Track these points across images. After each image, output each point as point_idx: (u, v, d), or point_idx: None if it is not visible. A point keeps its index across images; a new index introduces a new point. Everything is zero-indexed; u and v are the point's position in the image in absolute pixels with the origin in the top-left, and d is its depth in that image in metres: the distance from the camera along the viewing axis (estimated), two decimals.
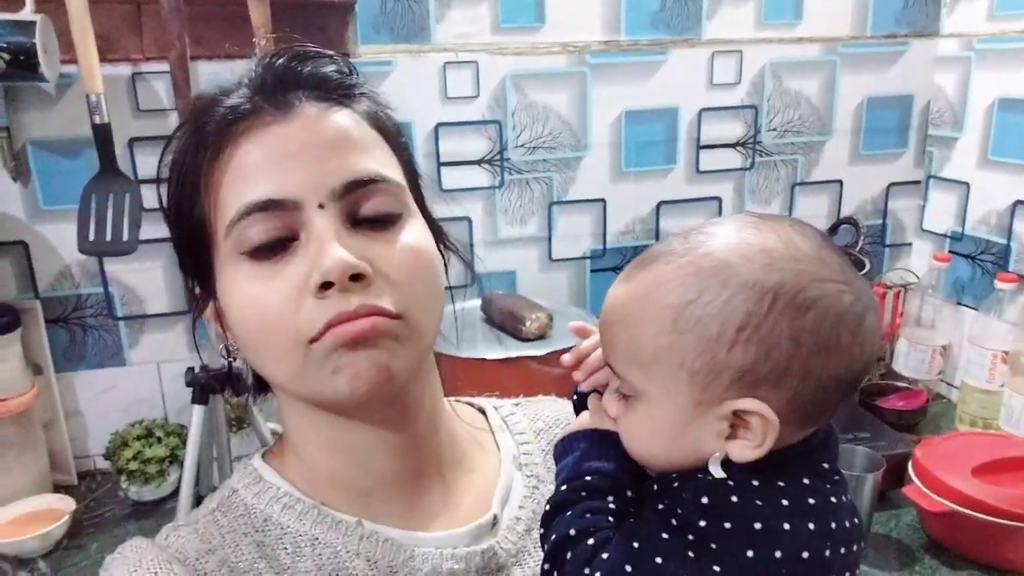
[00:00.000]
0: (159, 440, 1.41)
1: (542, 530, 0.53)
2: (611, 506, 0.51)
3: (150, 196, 1.38)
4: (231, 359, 0.57)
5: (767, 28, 1.61)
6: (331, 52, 0.55)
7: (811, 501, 0.48)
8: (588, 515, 0.50)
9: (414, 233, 0.53)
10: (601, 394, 0.56)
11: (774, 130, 1.67)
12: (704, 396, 0.49)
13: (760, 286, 0.47)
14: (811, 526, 0.47)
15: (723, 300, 0.48)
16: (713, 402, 0.49)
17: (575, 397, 0.62)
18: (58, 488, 1.42)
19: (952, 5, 1.65)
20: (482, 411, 0.68)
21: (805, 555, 0.47)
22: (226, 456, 1.24)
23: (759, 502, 0.47)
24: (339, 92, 0.54)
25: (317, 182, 0.50)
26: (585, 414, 0.58)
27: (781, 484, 0.49)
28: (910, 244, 1.81)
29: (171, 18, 1.17)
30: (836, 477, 0.52)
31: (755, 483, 0.48)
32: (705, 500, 0.48)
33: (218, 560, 0.52)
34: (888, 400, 1.53)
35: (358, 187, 0.51)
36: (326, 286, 0.48)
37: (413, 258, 0.52)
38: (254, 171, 0.50)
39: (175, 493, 1.34)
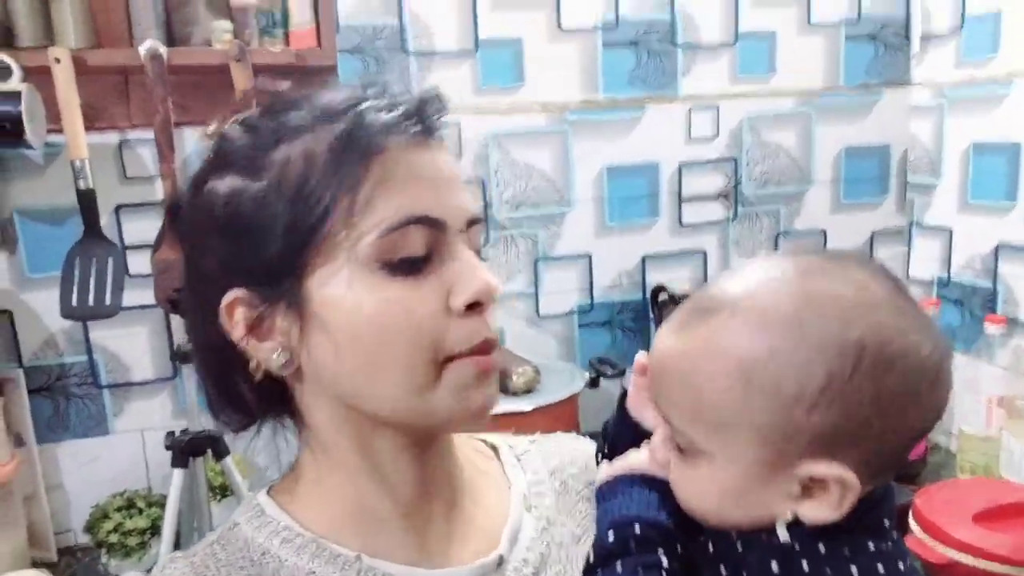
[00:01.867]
0: (140, 511, 1.37)
1: None
2: (663, 562, 0.48)
3: (135, 261, 1.41)
4: (285, 371, 0.53)
5: (742, 82, 1.65)
6: (448, 101, 0.57)
7: (880, 570, 0.46)
8: (640, 570, 0.48)
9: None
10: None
11: (755, 181, 1.70)
12: (775, 459, 0.46)
13: (842, 345, 0.44)
14: None
15: (802, 360, 0.44)
16: (787, 465, 0.46)
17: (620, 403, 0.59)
18: (36, 565, 1.37)
19: (920, 56, 1.69)
20: (494, 447, 0.68)
21: None
22: (207, 525, 1.21)
23: (828, 570, 0.45)
24: (443, 135, 0.57)
25: (462, 210, 0.53)
26: (635, 454, 0.55)
27: (847, 552, 0.46)
28: None
29: (155, 84, 1.19)
30: (896, 534, 0.50)
31: (821, 549, 0.46)
32: (775, 567, 0.46)
33: None
34: None
35: (475, 223, 0.55)
36: (474, 307, 0.51)
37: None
38: (412, 186, 0.51)
39: None
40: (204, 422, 1.23)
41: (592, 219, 1.62)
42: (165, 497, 1.40)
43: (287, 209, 0.50)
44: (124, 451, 1.46)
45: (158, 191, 1.36)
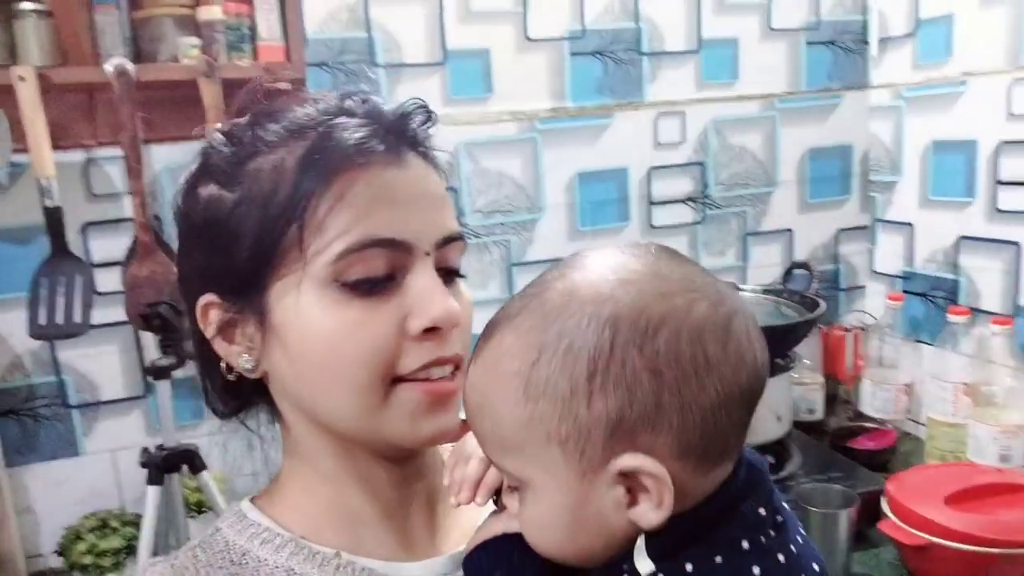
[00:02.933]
0: (115, 531, 1.35)
1: None
2: None
3: (103, 279, 1.39)
4: (251, 374, 0.54)
5: (707, 88, 1.68)
6: (426, 103, 0.57)
7: (756, 571, 0.42)
8: None
9: (467, 292, 0.57)
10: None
11: (722, 184, 1.72)
12: (584, 465, 0.43)
13: (595, 322, 0.42)
14: None
15: (563, 350, 0.42)
16: (597, 469, 0.43)
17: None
18: None
19: (879, 58, 1.74)
20: None
21: None
22: (184, 543, 1.19)
23: None
24: (430, 150, 0.56)
25: (428, 231, 0.52)
26: (489, 519, 0.52)
27: (719, 560, 0.42)
28: (863, 287, 1.85)
29: (122, 101, 1.19)
30: (778, 518, 0.46)
31: (689, 569, 0.42)
32: None
33: None
34: (858, 441, 1.53)
35: (450, 242, 0.54)
36: (430, 331, 0.51)
37: (470, 312, 0.56)
38: (376, 207, 0.50)
39: None
40: (179, 437, 1.22)
41: (564, 224, 1.64)
42: (139, 516, 1.38)
43: (255, 221, 0.51)
44: (95, 471, 1.43)
45: (126, 208, 1.35)
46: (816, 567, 0.46)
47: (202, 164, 0.55)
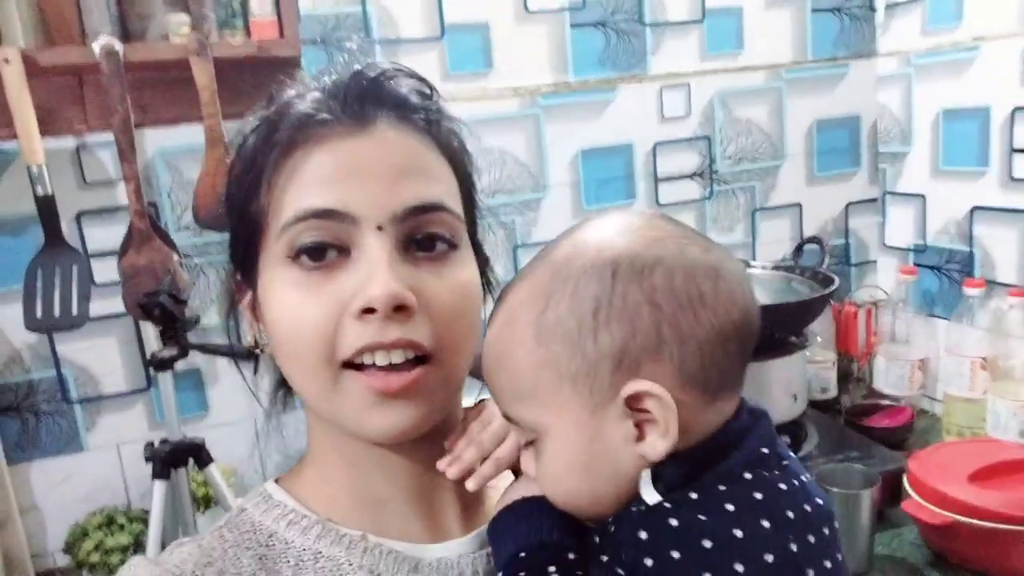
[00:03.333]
0: (121, 527, 1.32)
1: None
2: None
3: (100, 269, 1.35)
4: (259, 350, 0.56)
5: (711, 59, 1.64)
6: (419, 74, 0.55)
7: (758, 496, 0.45)
8: None
9: (465, 270, 0.53)
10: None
11: (729, 158, 1.69)
12: (594, 399, 0.46)
13: (597, 265, 0.47)
14: (766, 524, 0.43)
15: (569, 293, 0.47)
16: (605, 401, 0.46)
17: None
18: None
19: (886, 25, 1.70)
20: None
21: (769, 558, 0.43)
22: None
23: (702, 516, 0.44)
24: (418, 116, 0.53)
25: (381, 203, 0.49)
26: (508, 490, 0.54)
27: (722, 488, 0.45)
28: (875, 261, 1.82)
29: (112, 83, 1.15)
30: (783, 462, 0.48)
31: (693, 496, 0.45)
32: (644, 535, 0.44)
33: (216, 572, 0.51)
34: (873, 419, 1.51)
35: (420, 213, 0.50)
36: (369, 311, 0.48)
37: (460, 296, 0.52)
38: (320, 181, 0.49)
39: None
40: (184, 430, 1.19)
41: (569, 203, 1.60)
42: (146, 512, 1.35)
43: (239, 200, 0.53)
44: (99, 467, 1.41)
45: (120, 195, 1.31)
46: (820, 501, 0.47)
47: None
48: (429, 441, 0.55)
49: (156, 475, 1.09)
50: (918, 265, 1.66)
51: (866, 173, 1.78)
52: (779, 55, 1.68)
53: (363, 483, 0.56)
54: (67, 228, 1.28)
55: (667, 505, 0.45)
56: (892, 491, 1.21)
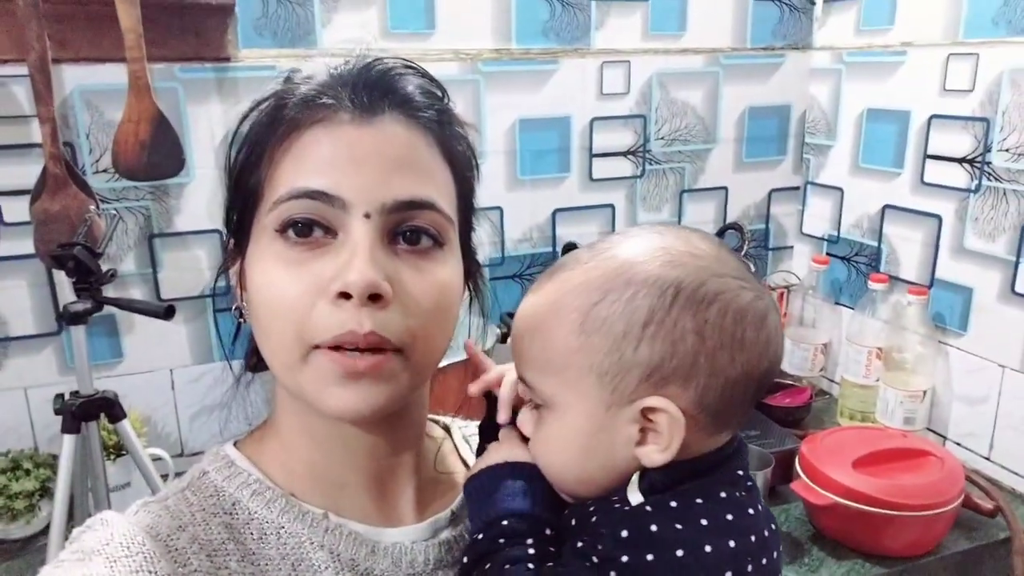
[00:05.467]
0: (27, 472, 1.30)
1: None
2: (531, 551, 0.50)
3: (10, 209, 1.29)
4: (242, 320, 0.58)
5: (653, 39, 1.65)
6: (431, 75, 0.57)
7: (729, 517, 0.48)
8: (508, 566, 0.49)
9: (446, 269, 0.54)
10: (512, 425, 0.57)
11: (662, 139, 1.72)
12: (614, 397, 0.49)
13: (661, 281, 0.49)
14: (732, 544, 0.47)
15: (627, 298, 0.49)
16: (623, 403, 0.49)
17: (479, 428, 0.62)
18: None
19: (823, 19, 1.74)
20: (446, 427, 0.70)
21: (728, 575, 0.47)
22: (102, 487, 1.16)
23: (679, 526, 0.47)
24: (423, 114, 0.54)
25: (372, 192, 0.50)
26: (494, 447, 0.57)
27: (699, 501, 0.48)
28: (791, 247, 1.90)
29: (28, 17, 1.08)
30: (749, 483, 0.53)
31: (673, 504, 0.48)
32: (625, 533, 0.47)
33: (189, 537, 0.52)
34: (775, 398, 1.60)
35: (409, 208, 0.51)
36: (344, 296, 0.49)
37: (436, 294, 0.52)
38: (318, 163, 0.51)
39: (47, 530, 1.24)
40: (97, 378, 1.16)
41: (504, 172, 1.61)
42: (53, 457, 1.33)
43: (240, 175, 0.54)
44: (6, 409, 1.37)
45: (34, 133, 1.25)
46: (774, 527, 0.52)
47: None
48: (390, 426, 0.57)
49: (65, 430, 1.07)
50: (830, 255, 1.74)
51: (791, 162, 1.84)
52: (719, 40, 1.71)
53: (324, 461, 0.57)
54: None
55: (648, 508, 0.48)
56: (785, 469, 1.30)
